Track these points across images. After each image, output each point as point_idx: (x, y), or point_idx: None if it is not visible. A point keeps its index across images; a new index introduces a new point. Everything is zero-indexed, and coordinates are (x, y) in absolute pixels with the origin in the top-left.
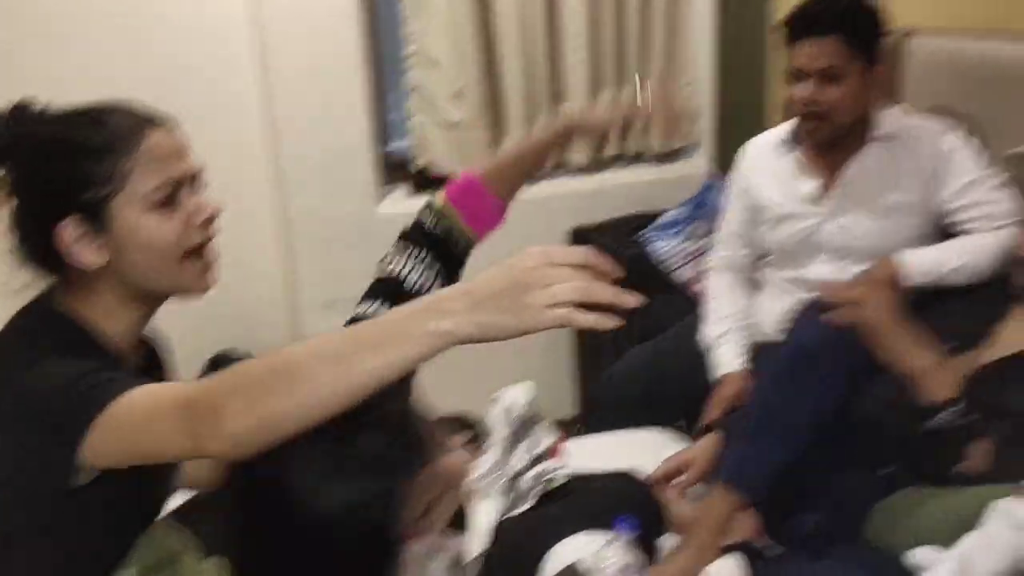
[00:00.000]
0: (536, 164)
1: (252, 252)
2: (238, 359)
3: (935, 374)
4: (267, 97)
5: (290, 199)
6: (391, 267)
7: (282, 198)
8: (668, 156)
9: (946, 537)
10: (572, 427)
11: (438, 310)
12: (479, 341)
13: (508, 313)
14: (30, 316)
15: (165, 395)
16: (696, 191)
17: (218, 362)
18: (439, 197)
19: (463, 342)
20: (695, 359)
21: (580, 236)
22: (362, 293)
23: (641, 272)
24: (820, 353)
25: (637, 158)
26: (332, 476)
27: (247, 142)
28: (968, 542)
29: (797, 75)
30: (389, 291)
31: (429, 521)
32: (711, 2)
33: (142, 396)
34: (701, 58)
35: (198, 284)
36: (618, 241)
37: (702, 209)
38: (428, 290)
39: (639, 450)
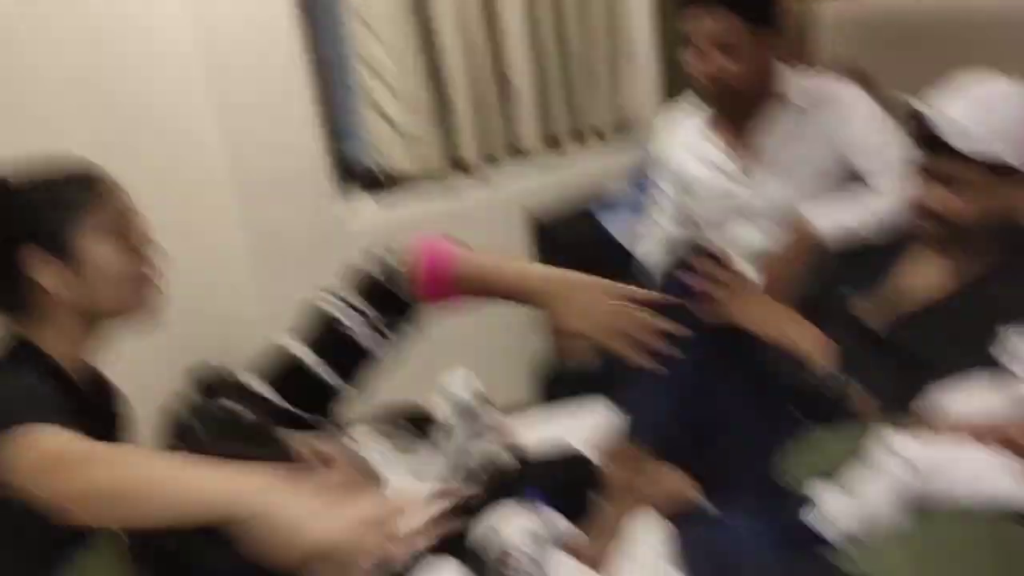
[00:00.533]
0: (504, 300)
1: (226, 274)
2: (217, 372)
3: (810, 348)
4: (220, 122)
5: (253, 218)
6: (334, 312)
7: (246, 218)
8: (618, 136)
9: (840, 470)
10: (529, 408)
11: (275, 487)
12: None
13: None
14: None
15: (51, 441)
16: (636, 168)
17: (200, 376)
18: (406, 264)
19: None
20: None
21: (538, 221)
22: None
23: (603, 252)
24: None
25: (587, 138)
26: None
27: (207, 169)
28: (860, 479)
29: (688, 42)
30: (327, 341)
31: None
32: None
33: (48, 436)
34: (641, 39)
35: (148, 308)
36: (576, 224)
37: (646, 185)
38: (362, 344)
39: (591, 425)
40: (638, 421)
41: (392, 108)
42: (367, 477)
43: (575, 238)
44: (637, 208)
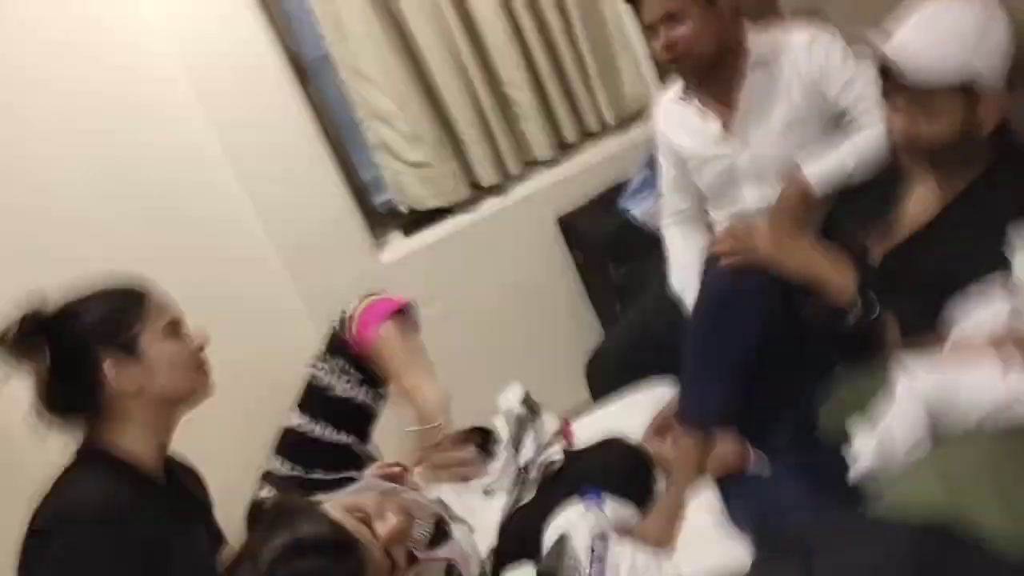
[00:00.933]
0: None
1: (291, 339)
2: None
3: (833, 279)
4: (252, 200)
5: (301, 280)
6: (321, 377)
7: (294, 282)
8: (625, 123)
9: (872, 407)
10: (588, 404)
11: None
12: None
13: None
14: (75, 460)
15: None
16: (647, 151)
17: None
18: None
19: None
20: (676, 310)
21: (566, 222)
22: None
23: (630, 240)
24: (729, 297)
25: (598, 133)
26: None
27: (249, 246)
28: (882, 413)
29: (649, 30)
30: (322, 406)
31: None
32: None
33: None
34: (628, 24)
35: (207, 388)
36: (601, 217)
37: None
38: (356, 398)
39: (643, 410)
40: (691, 410)
41: (404, 150)
42: (419, 510)
43: (602, 230)
44: (652, 192)
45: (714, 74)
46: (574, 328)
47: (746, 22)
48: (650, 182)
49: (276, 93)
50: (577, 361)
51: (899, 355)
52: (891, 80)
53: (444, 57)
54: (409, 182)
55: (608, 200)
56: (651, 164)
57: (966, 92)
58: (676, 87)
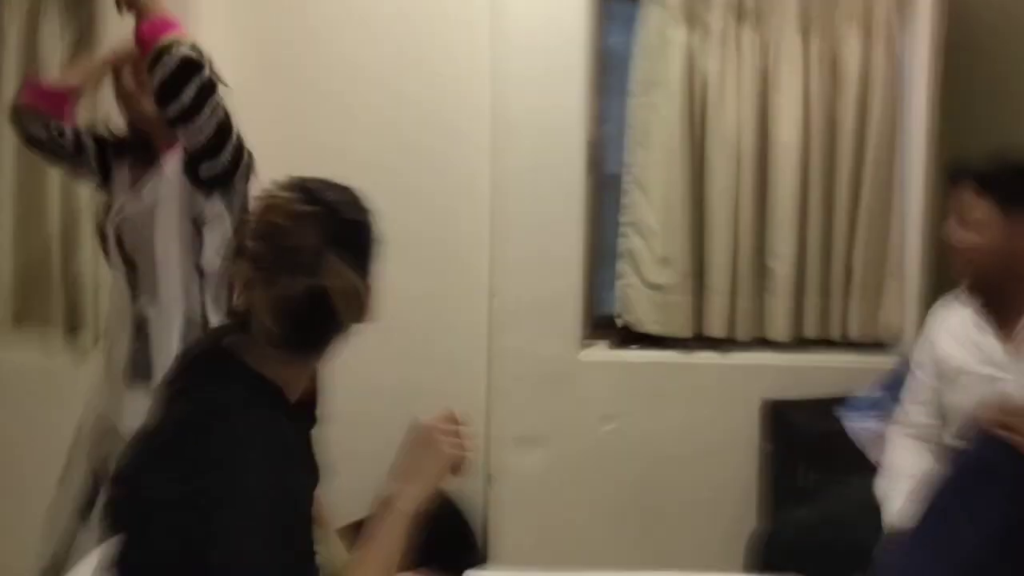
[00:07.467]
0: None
1: (457, 384)
2: None
3: None
4: (495, 245)
5: (499, 336)
6: None
7: (492, 334)
8: (872, 345)
9: None
10: None
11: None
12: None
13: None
14: (217, 364)
15: None
16: (890, 373)
17: None
18: None
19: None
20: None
21: (774, 408)
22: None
23: (834, 449)
24: (999, 465)
25: (838, 343)
26: None
27: (472, 282)
28: None
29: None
30: None
31: None
32: (922, 194)
33: None
34: (910, 259)
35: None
36: (813, 416)
37: (895, 392)
38: None
39: None
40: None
41: (650, 269)
42: None
43: (807, 432)
44: (880, 412)
45: (999, 293)
46: (729, 507)
47: None
48: (881, 406)
49: (563, 168)
50: (723, 538)
51: None
52: None
53: (725, 204)
54: (639, 300)
55: (824, 404)
56: (890, 388)
57: None
58: (962, 303)
